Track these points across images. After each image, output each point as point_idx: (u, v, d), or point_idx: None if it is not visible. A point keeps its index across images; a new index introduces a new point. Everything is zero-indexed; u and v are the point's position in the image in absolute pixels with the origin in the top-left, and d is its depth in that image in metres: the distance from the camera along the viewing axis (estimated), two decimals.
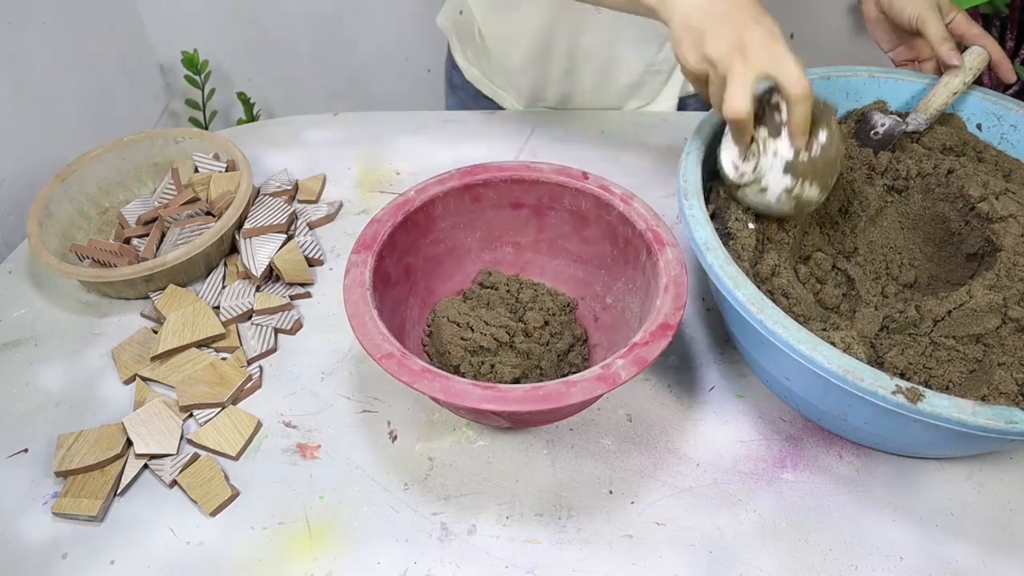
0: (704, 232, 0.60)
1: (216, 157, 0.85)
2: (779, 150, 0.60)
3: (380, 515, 0.60)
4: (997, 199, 0.64)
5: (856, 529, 0.59)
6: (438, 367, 0.60)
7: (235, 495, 0.61)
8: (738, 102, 0.57)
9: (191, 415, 0.66)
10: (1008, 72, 0.75)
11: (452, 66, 1.07)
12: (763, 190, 0.62)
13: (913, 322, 0.60)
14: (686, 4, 0.59)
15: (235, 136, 0.95)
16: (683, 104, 1.02)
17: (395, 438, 0.65)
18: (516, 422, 0.64)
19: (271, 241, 0.79)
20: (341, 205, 0.87)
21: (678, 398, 0.68)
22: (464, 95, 1.06)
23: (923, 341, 0.58)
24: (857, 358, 0.52)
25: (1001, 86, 1.56)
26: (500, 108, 1.03)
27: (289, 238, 0.81)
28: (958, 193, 0.67)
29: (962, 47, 0.75)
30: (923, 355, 0.57)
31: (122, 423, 0.64)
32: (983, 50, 0.74)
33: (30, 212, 0.76)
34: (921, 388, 0.49)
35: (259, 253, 0.77)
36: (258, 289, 0.76)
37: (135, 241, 0.79)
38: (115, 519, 0.60)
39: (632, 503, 0.61)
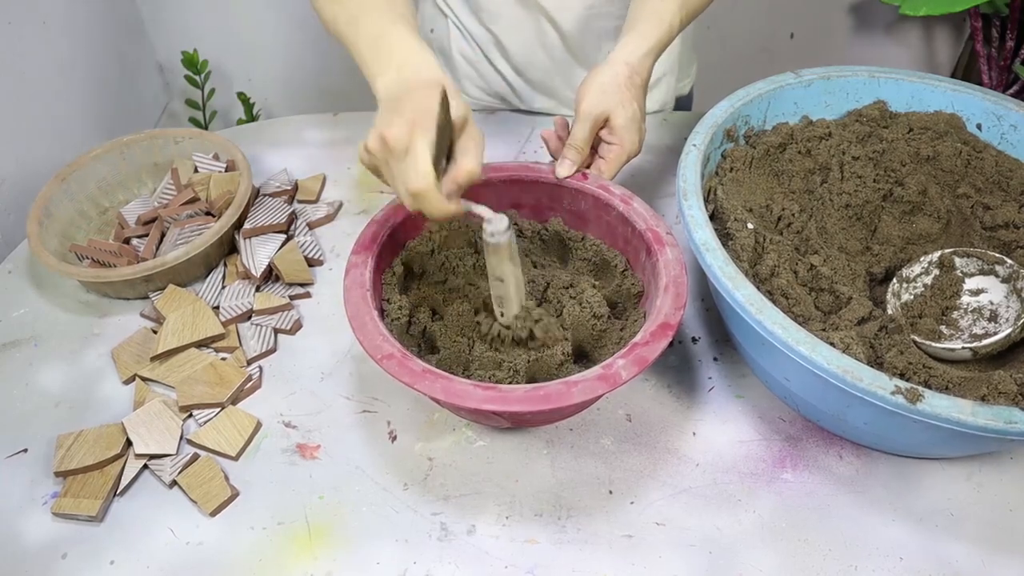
0: (703, 233, 0.60)
1: (216, 157, 0.85)
2: None
3: (380, 515, 0.60)
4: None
5: (856, 529, 0.59)
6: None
7: (235, 495, 0.61)
8: None
9: (191, 415, 0.66)
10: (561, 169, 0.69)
11: None
12: None
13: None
14: None
15: (235, 136, 0.95)
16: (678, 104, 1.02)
17: (395, 438, 0.65)
18: (516, 422, 0.64)
19: (271, 241, 0.79)
20: (341, 205, 0.87)
21: (678, 398, 0.68)
22: None
23: None
24: (856, 358, 0.52)
25: (1002, 85, 1.56)
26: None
27: (289, 238, 0.81)
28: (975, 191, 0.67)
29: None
30: (923, 355, 0.57)
31: (122, 423, 0.64)
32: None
33: (30, 212, 0.76)
34: (920, 388, 0.49)
35: (259, 253, 0.77)
36: (258, 289, 0.76)
37: (135, 241, 0.79)
38: (115, 519, 0.60)
39: (632, 503, 0.61)
